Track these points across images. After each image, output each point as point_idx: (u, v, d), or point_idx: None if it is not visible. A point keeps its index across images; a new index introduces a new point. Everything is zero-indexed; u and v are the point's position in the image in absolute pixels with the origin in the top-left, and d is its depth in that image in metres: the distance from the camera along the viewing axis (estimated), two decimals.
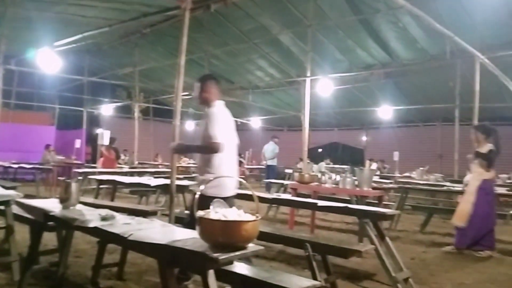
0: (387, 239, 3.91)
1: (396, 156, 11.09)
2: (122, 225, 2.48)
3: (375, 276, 4.09)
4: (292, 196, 5.97)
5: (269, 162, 12.28)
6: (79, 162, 12.73)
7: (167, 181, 4.51)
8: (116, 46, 12.63)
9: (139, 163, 13.40)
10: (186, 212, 3.91)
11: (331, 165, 13.87)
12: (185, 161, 14.25)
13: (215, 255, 1.82)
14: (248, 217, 1.94)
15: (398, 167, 10.98)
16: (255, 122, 17.57)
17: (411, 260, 4.78)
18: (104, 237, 2.72)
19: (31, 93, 15.25)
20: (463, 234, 5.14)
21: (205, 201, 3.14)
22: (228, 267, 2.38)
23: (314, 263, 3.29)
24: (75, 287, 3.44)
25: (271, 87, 15.14)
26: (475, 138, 5.27)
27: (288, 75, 12.94)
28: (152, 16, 8.77)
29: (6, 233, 3.59)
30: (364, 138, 17.97)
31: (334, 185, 5.94)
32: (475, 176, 5.22)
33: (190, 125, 16.28)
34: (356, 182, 5.61)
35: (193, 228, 2.40)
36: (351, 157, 18.40)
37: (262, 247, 2.03)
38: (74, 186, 2.98)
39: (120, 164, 11.99)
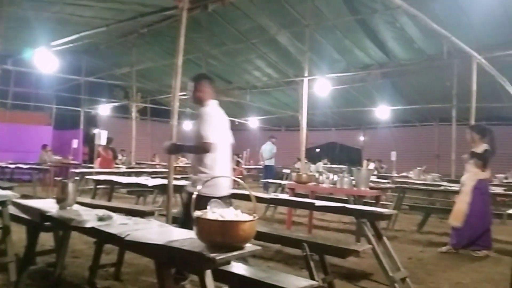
0: (385, 238, 3.92)
1: (393, 156, 11.12)
2: (119, 225, 2.48)
3: (372, 275, 4.09)
4: (290, 196, 5.97)
5: (267, 162, 12.29)
6: (76, 162, 12.69)
7: (165, 181, 4.50)
8: (114, 46, 12.60)
9: (136, 163, 13.37)
10: (180, 211, 3.89)
11: (329, 165, 13.87)
12: (183, 161, 14.23)
13: (213, 255, 1.81)
14: (246, 217, 1.94)
15: (396, 167, 11.01)
16: (253, 122, 17.57)
17: (408, 259, 4.79)
18: (101, 237, 2.72)
19: (28, 93, 15.21)
20: (460, 234, 5.16)
21: (199, 201, 3.14)
22: (226, 267, 2.37)
23: (312, 263, 3.29)
24: None
25: (269, 87, 15.14)
26: (471, 138, 5.30)
27: (285, 75, 12.94)
28: (150, 16, 8.77)
29: (2, 233, 3.58)
30: (361, 138, 18.00)
31: (331, 185, 5.94)
32: (470, 176, 5.25)
33: (187, 125, 16.23)
34: (354, 182, 5.61)
35: (187, 228, 2.40)
36: (349, 157, 18.41)
37: (259, 247, 2.03)
38: (71, 186, 2.98)
39: (117, 164, 11.96)
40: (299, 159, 9.90)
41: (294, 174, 6.84)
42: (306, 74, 8.49)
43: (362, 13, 9.36)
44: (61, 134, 15.20)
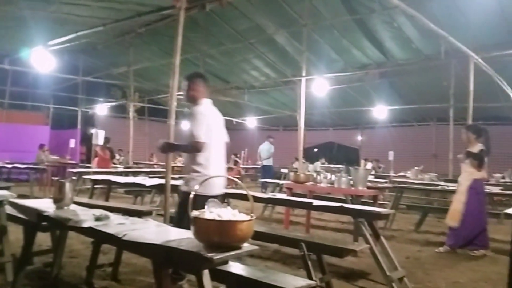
0: (382, 238, 3.92)
1: (391, 155, 11.13)
2: (117, 225, 2.47)
3: (370, 275, 4.10)
4: (288, 195, 5.97)
5: (265, 162, 12.29)
6: (73, 162, 12.67)
7: (162, 181, 4.50)
8: (111, 46, 12.57)
9: (134, 163, 13.36)
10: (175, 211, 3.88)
11: (327, 165, 13.88)
12: (181, 161, 14.22)
13: (210, 255, 1.81)
14: (243, 216, 1.94)
15: (393, 166, 11.03)
16: (251, 121, 17.57)
17: (406, 259, 4.80)
18: (99, 237, 2.71)
19: (25, 93, 15.16)
20: (456, 234, 5.19)
21: (192, 200, 3.13)
22: (223, 267, 2.37)
23: (309, 263, 3.29)
24: None
25: (267, 87, 15.14)
26: (466, 138, 5.34)
27: (283, 74, 12.95)
28: (147, 16, 8.74)
29: None
30: (359, 138, 18.02)
31: (329, 185, 5.94)
32: (465, 176, 5.29)
33: (185, 125, 16.26)
34: (351, 182, 5.62)
35: (181, 227, 2.40)
36: (346, 156, 18.44)
37: (257, 247, 2.03)
38: (68, 186, 2.97)
39: (115, 164, 11.95)
40: (297, 159, 9.91)
41: (292, 173, 6.84)
42: (304, 74, 8.49)
43: (359, 13, 9.37)
44: (59, 134, 15.16)
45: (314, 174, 6.49)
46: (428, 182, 8.62)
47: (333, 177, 5.94)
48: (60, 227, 3.05)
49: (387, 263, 3.72)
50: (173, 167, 4.21)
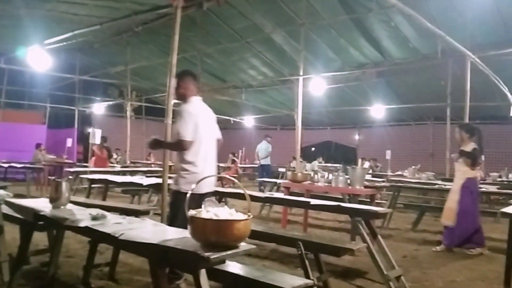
0: (379, 237, 3.93)
1: (388, 154, 11.13)
2: (113, 224, 2.46)
3: (367, 274, 4.11)
4: (285, 194, 5.97)
5: (263, 162, 12.30)
6: (70, 161, 12.63)
7: (160, 180, 4.49)
8: (108, 44, 12.53)
9: (131, 162, 13.34)
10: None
11: (324, 164, 13.89)
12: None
13: (207, 254, 1.81)
14: (240, 216, 1.94)
15: (390, 165, 11.03)
16: (248, 121, 17.58)
17: (403, 258, 4.81)
18: (95, 236, 2.70)
19: (22, 92, 15.12)
20: (451, 233, 5.21)
21: (181, 197, 3.11)
22: (220, 266, 2.37)
23: (307, 262, 3.29)
24: None
25: (264, 86, 15.12)
26: (460, 137, 5.38)
27: (281, 74, 12.94)
28: (144, 14, 8.71)
29: None
30: (356, 137, 18.05)
31: (326, 184, 5.95)
32: (459, 175, 5.33)
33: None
34: (349, 181, 5.62)
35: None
36: (344, 155, 18.50)
37: (254, 246, 2.03)
38: (64, 185, 2.96)
39: (112, 163, 11.92)
40: (294, 158, 9.91)
41: (289, 173, 6.84)
42: (301, 73, 8.49)
43: (357, 12, 9.37)
44: (55, 133, 15.12)
45: (312, 173, 6.49)
46: (425, 181, 8.64)
47: (331, 176, 5.95)
48: (56, 226, 3.04)
49: (384, 262, 3.72)
50: (170, 166, 4.20)
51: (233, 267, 2.67)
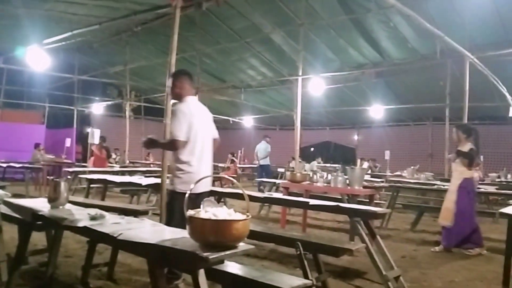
0: (378, 237, 3.93)
1: (387, 155, 11.16)
2: (112, 224, 2.46)
3: (366, 274, 4.11)
4: (284, 195, 5.97)
5: (262, 162, 12.31)
6: (69, 161, 12.62)
7: (158, 180, 4.48)
8: (107, 44, 12.51)
9: (130, 162, 13.32)
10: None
11: (323, 164, 13.91)
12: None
13: (206, 254, 1.80)
14: (239, 216, 1.93)
15: (389, 166, 11.05)
16: (247, 121, 17.58)
17: (402, 258, 4.81)
18: (94, 236, 2.69)
19: (21, 92, 15.09)
20: (449, 233, 5.22)
21: (177, 197, 3.11)
22: (219, 266, 2.37)
23: (306, 262, 3.29)
24: None
25: (263, 86, 15.13)
26: (457, 137, 5.40)
27: (280, 74, 12.94)
28: (143, 14, 8.71)
29: None
30: (355, 137, 18.06)
31: (325, 184, 5.95)
32: (456, 175, 5.34)
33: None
34: (348, 181, 5.62)
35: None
36: (343, 156, 18.50)
37: (253, 246, 2.02)
38: (63, 185, 2.95)
39: (111, 163, 11.91)
40: (293, 158, 9.91)
41: (288, 173, 6.84)
42: (300, 73, 8.49)
43: (356, 12, 9.38)
44: (54, 133, 15.10)
45: (311, 174, 6.50)
46: (424, 181, 8.65)
47: (330, 177, 5.95)
48: (55, 226, 3.03)
49: (383, 262, 3.73)
50: (169, 166, 4.19)
51: (232, 267, 2.67)
